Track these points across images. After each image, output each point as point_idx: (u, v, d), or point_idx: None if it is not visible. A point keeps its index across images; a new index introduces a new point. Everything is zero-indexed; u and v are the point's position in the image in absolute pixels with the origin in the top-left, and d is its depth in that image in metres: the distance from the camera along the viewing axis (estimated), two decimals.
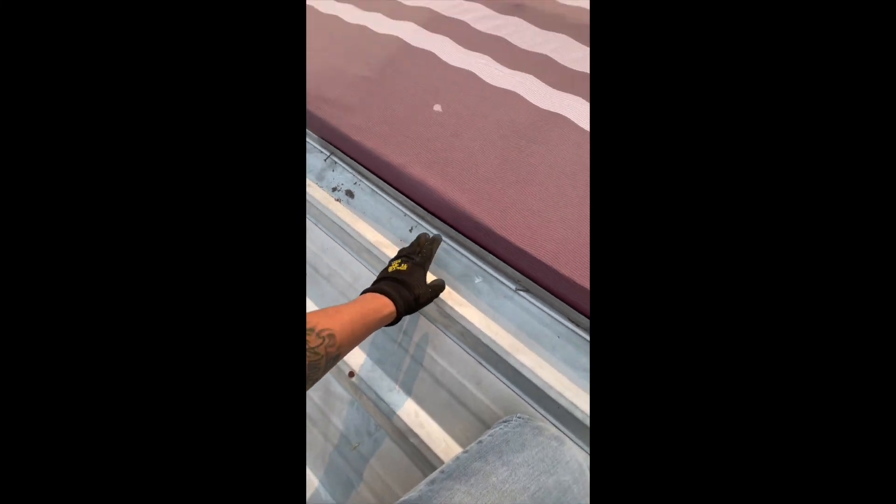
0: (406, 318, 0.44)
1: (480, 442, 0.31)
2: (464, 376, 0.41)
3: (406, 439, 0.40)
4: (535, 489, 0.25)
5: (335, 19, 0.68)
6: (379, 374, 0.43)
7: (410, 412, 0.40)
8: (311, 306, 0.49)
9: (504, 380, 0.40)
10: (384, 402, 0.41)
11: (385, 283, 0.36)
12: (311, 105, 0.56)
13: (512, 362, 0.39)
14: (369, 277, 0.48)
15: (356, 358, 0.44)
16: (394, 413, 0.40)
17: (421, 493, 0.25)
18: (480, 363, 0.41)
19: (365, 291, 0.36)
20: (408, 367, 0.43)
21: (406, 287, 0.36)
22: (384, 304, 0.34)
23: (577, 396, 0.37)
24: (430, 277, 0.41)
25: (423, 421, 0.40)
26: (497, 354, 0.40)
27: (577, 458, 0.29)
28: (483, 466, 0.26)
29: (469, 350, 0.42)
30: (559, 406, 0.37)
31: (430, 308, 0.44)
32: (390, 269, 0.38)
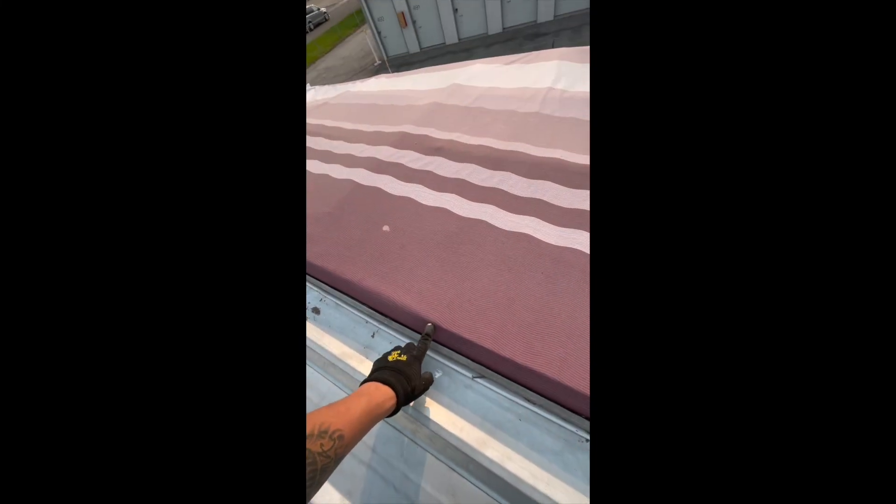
0: (375, 430, 0.44)
1: None
2: (438, 489, 0.40)
3: None
4: None
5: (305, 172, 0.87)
6: None
7: None
8: None
9: (478, 483, 0.39)
10: None
11: (387, 372, 0.37)
12: None
13: (481, 460, 0.39)
14: (336, 393, 0.50)
15: (323, 495, 0.41)
16: None
17: None
18: (452, 469, 0.41)
19: (366, 381, 0.37)
20: (379, 491, 0.41)
21: (406, 378, 0.37)
22: (388, 397, 0.35)
23: (549, 485, 0.37)
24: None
25: None
26: (465, 454, 0.40)
27: None
28: None
29: (438, 455, 0.42)
30: (532, 500, 0.36)
31: (398, 416, 0.45)
32: (390, 359, 0.39)
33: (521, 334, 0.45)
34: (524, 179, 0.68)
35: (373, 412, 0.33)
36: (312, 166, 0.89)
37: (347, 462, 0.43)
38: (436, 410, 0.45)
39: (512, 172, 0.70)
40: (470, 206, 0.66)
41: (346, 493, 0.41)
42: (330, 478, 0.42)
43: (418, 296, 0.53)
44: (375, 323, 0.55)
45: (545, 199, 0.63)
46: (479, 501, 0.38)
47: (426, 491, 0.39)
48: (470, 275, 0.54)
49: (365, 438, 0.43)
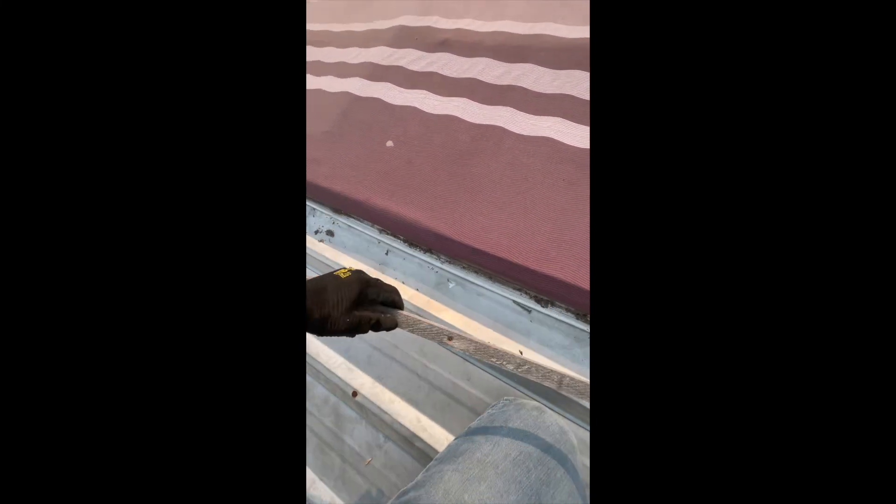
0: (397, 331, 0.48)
1: (469, 428, 0.33)
2: (455, 375, 0.45)
3: (413, 444, 0.43)
4: (516, 454, 0.26)
5: None
6: (379, 390, 0.47)
7: (412, 419, 0.44)
8: (314, 344, 0.54)
9: (490, 371, 0.43)
10: (387, 413, 0.44)
11: (314, 282, 0.27)
12: None
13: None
14: None
15: (359, 377, 0.48)
16: (397, 422, 0.44)
17: (417, 482, 0.28)
18: (467, 360, 0.45)
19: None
20: (404, 377, 0.47)
21: (319, 301, 0.25)
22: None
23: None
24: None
25: (426, 424, 0.43)
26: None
27: (557, 422, 0.31)
28: (469, 446, 0.28)
29: (455, 350, 0.46)
30: (543, 385, 0.40)
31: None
32: (336, 272, 0.29)
33: (536, 241, 0.43)
34: (549, 71, 0.56)
35: None
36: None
37: (375, 354, 0.49)
38: (451, 315, 0.47)
39: (535, 63, 0.58)
40: (482, 110, 0.57)
41: (377, 378, 0.47)
42: (362, 366, 0.49)
43: (429, 212, 0.51)
44: (388, 241, 0.55)
45: (574, 93, 0.52)
46: (491, 385, 0.42)
47: (444, 376, 0.45)
48: (483, 187, 0.50)
49: (388, 337, 0.48)
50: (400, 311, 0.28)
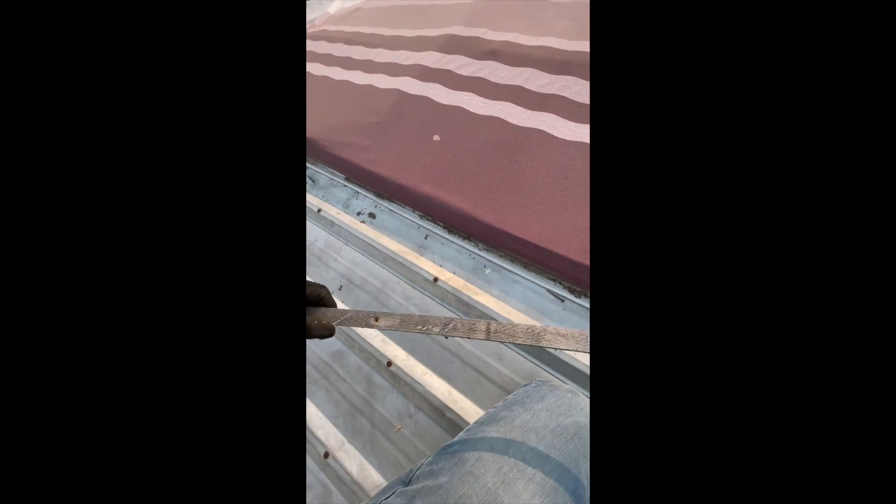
0: (430, 308, 0.51)
1: (506, 400, 0.36)
2: (487, 354, 0.47)
3: (443, 415, 0.45)
4: (554, 426, 0.28)
5: (346, 84, 0.84)
6: (413, 362, 0.49)
7: (444, 391, 0.46)
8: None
9: (521, 352, 0.46)
10: (420, 384, 0.47)
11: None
12: (335, 149, 0.69)
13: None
14: (395, 282, 0.56)
15: (393, 349, 0.51)
16: (429, 393, 0.46)
17: (461, 438, 0.29)
18: (500, 341, 0.47)
19: None
20: (437, 352, 0.49)
21: None
22: None
23: (585, 357, 0.42)
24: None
25: (456, 397, 0.45)
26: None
27: (588, 402, 0.34)
28: (509, 414, 0.30)
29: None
30: (572, 367, 0.43)
31: (451, 299, 0.52)
32: None
33: (574, 235, 0.46)
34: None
35: None
36: (354, 77, 0.85)
37: (415, 334, 0.52)
38: (486, 298, 0.50)
39: (578, 77, 0.62)
40: (527, 115, 0.61)
41: (411, 351, 0.50)
42: (396, 339, 0.52)
43: (471, 201, 0.54)
44: (428, 226, 0.59)
45: None
46: (522, 366, 0.45)
47: (476, 354, 0.47)
48: (525, 183, 0.54)
49: (421, 312, 0.51)
50: (323, 309, 0.28)
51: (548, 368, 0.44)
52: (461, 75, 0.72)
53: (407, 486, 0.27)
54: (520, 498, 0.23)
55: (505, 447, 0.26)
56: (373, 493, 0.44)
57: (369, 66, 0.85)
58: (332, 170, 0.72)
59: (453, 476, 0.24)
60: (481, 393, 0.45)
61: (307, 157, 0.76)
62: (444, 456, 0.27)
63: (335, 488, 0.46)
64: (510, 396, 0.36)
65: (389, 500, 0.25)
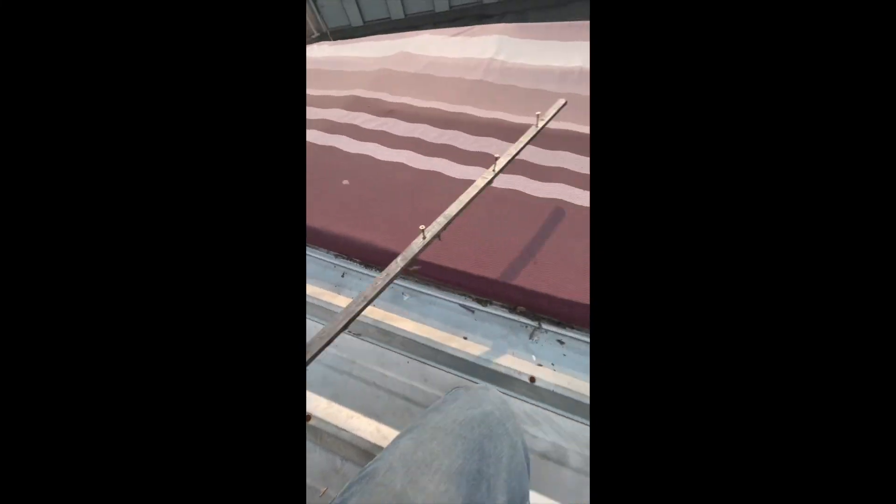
0: (352, 347, 0.50)
1: (422, 411, 0.36)
2: (412, 378, 0.48)
3: (372, 457, 0.42)
4: (462, 419, 0.30)
5: None
6: (336, 409, 0.46)
7: (372, 430, 0.44)
8: None
9: (445, 368, 0.48)
10: (345, 431, 0.44)
11: None
12: None
13: (447, 351, 0.49)
14: (310, 325, 0.54)
15: (311, 401, 0.47)
16: (357, 438, 0.43)
17: (375, 457, 0.28)
18: (423, 362, 0.49)
19: None
20: (360, 390, 0.48)
21: None
22: None
23: (498, 357, 0.48)
24: None
25: (386, 433, 0.44)
26: (433, 348, 0.49)
27: (500, 396, 0.36)
28: (422, 421, 0.31)
29: (411, 355, 0.50)
30: (488, 370, 0.47)
31: (373, 331, 0.52)
32: None
33: (471, 251, 0.55)
34: (471, 137, 0.77)
35: None
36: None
37: (331, 374, 0.49)
38: (405, 324, 0.52)
39: (461, 131, 0.78)
40: (425, 160, 0.73)
41: (333, 397, 0.47)
42: (315, 388, 0.47)
43: (383, 234, 0.59)
44: (344, 264, 0.60)
45: (490, 151, 0.73)
46: (448, 381, 0.47)
47: (401, 381, 0.48)
48: (426, 214, 0.62)
49: (345, 355, 0.49)
50: None
51: (468, 376, 0.47)
52: (366, 129, 0.82)
53: None
54: (426, 491, 0.23)
55: (414, 450, 0.26)
56: None
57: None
58: None
59: (363, 494, 0.24)
60: (410, 420, 0.45)
61: None
62: (355, 482, 0.26)
63: None
64: (429, 406, 0.37)
65: None
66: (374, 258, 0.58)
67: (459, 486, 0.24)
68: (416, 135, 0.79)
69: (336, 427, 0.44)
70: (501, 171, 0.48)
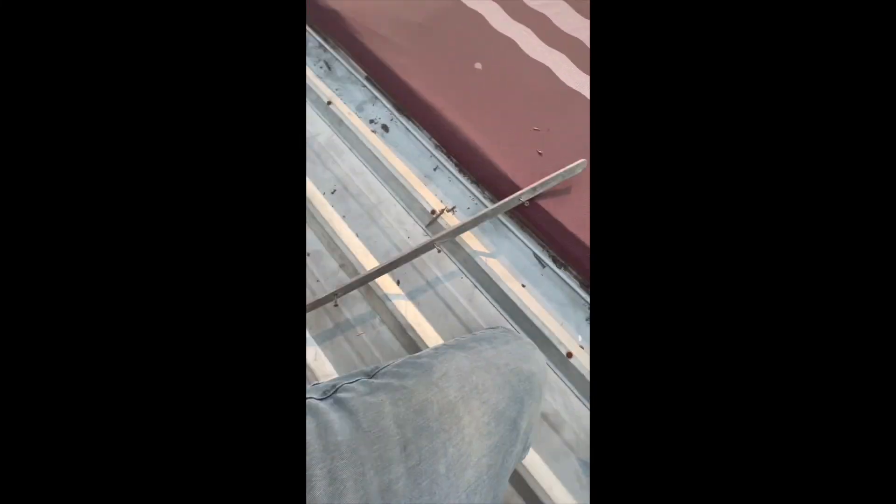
0: (419, 238, 0.51)
1: (474, 334, 0.38)
2: (459, 293, 0.49)
3: (405, 333, 0.48)
4: (513, 367, 0.31)
5: None
6: (388, 281, 0.50)
7: (410, 313, 0.48)
8: (339, 221, 0.55)
9: (492, 301, 0.49)
10: (391, 301, 0.49)
11: None
12: (364, 38, 0.60)
13: (502, 287, 0.48)
14: (392, 203, 0.55)
15: (372, 264, 0.51)
16: (398, 311, 0.48)
17: (429, 353, 0.31)
18: (475, 285, 0.50)
19: None
20: (413, 278, 0.51)
21: None
22: None
23: (548, 320, 0.47)
24: None
25: (420, 321, 0.48)
26: (490, 279, 0.49)
27: (544, 361, 0.38)
28: (476, 346, 0.33)
29: (467, 274, 0.50)
30: (533, 326, 0.47)
31: (446, 237, 0.52)
32: None
33: (583, 212, 0.47)
34: None
35: None
36: None
37: (395, 252, 0.52)
38: (475, 243, 0.51)
39: None
40: (578, 75, 0.57)
41: (392, 272, 0.51)
42: (378, 256, 0.52)
43: (495, 146, 0.52)
44: (441, 158, 0.56)
45: None
46: (489, 311, 0.48)
47: (450, 291, 0.50)
48: (554, 147, 0.52)
49: (410, 241, 0.51)
50: None
51: (510, 319, 0.48)
52: (526, 5, 0.64)
53: (371, 378, 0.29)
54: (473, 414, 0.25)
55: (469, 371, 0.28)
56: (321, 379, 0.48)
57: None
58: (353, 62, 0.64)
59: (419, 382, 0.26)
60: (445, 325, 0.48)
61: (326, 37, 0.66)
62: (411, 363, 0.29)
63: None
64: (479, 332, 0.39)
65: (352, 384, 0.27)
66: (472, 165, 0.53)
67: (499, 425, 0.26)
68: (582, 36, 0.60)
69: (385, 294, 0.49)
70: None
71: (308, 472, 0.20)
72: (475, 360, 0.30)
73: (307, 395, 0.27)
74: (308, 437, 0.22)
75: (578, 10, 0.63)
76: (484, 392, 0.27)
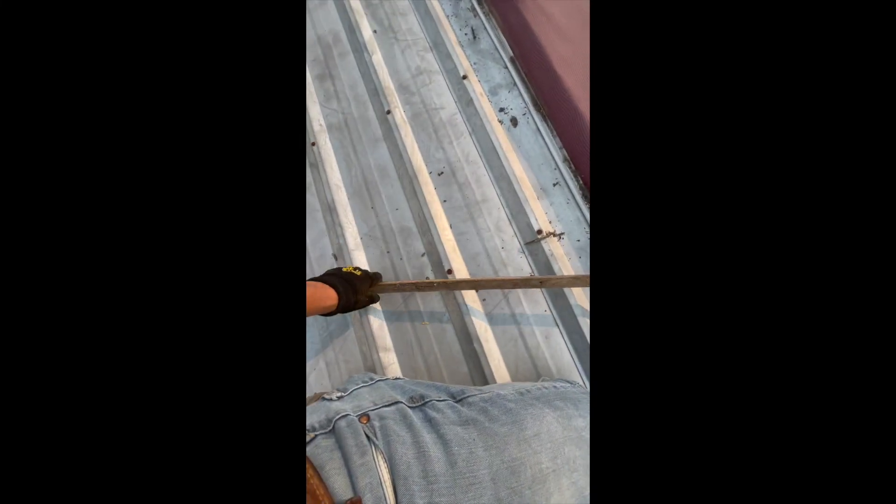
0: (512, 253, 0.48)
1: (555, 387, 0.34)
2: (537, 325, 0.46)
3: (469, 342, 0.47)
4: None
5: None
6: (474, 295, 0.48)
7: (482, 326, 0.46)
8: (437, 206, 0.53)
9: (570, 347, 0.44)
10: (466, 306, 0.47)
11: (337, 278, 0.41)
12: (527, 8, 0.53)
13: (586, 335, 0.43)
14: (497, 207, 0.51)
15: (458, 262, 0.49)
16: (469, 317, 0.47)
17: (515, 399, 0.29)
18: (557, 325, 0.45)
19: (312, 279, 0.41)
20: (495, 293, 0.48)
21: (353, 289, 0.41)
22: (329, 297, 0.39)
23: None
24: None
25: (489, 337, 0.46)
26: (577, 323, 0.44)
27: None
28: (564, 407, 0.30)
29: (553, 310, 0.46)
30: None
31: (539, 258, 0.47)
32: (344, 270, 0.44)
33: None
34: None
35: (313, 303, 0.37)
36: None
37: (486, 264, 0.49)
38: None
39: None
40: None
41: (473, 274, 0.49)
42: (468, 258, 0.50)
43: None
44: (565, 173, 0.50)
45: None
46: (562, 357, 0.44)
47: (529, 319, 0.46)
48: None
49: (499, 259, 0.47)
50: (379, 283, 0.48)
51: (583, 373, 0.43)
52: None
53: (458, 402, 0.28)
54: (563, 493, 0.24)
55: (562, 441, 0.26)
56: (380, 352, 0.49)
57: None
58: (503, 37, 0.57)
59: (510, 434, 0.25)
60: (512, 351, 0.46)
61: None
62: (498, 404, 0.27)
63: (352, 327, 0.52)
64: (560, 386, 0.35)
65: (441, 405, 0.26)
66: None
67: None
68: None
69: (463, 298, 0.47)
70: None
71: (404, 486, 0.20)
72: (566, 429, 0.28)
73: (395, 396, 0.26)
74: (402, 448, 0.22)
75: None
76: (574, 472, 0.26)
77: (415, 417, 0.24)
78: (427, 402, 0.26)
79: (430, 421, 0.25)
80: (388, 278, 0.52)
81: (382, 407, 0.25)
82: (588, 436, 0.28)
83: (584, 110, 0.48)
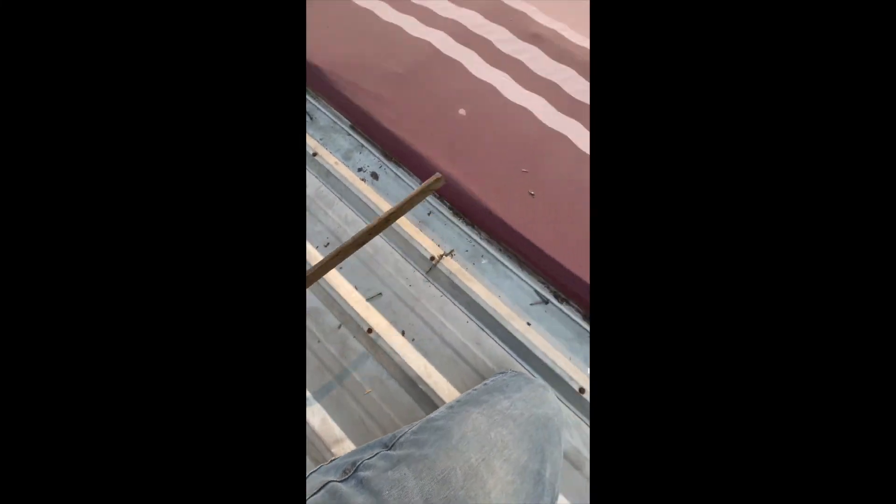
0: (419, 285, 0.51)
1: (485, 384, 0.38)
2: (466, 338, 0.49)
3: (415, 386, 0.47)
4: (529, 415, 0.31)
5: (369, 14, 0.73)
6: (394, 333, 0.50)
7: (420, 365, 0.48)
8: (335, 274, 0.54)
9: (499, 342, 0.49)
10: (397, 354, 0.48)
11: None
12: (346, 90, 0.62)
13: (507, 327, 0.49)
14: (389, 251, 0.55)
15: (375, 317, 0.50)
16: (405, 364, 0.47)
17: (444, 414, 0.31)
18: (482, 328, 0.50)
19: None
20: (419, 328, 0.50)
21: None
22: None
23: (556, 356, 0.47)
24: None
25: (431, 372, 0.47)
26: (495, 321, 0.49)
27: (558, 402, 0.38)
28: (490, 399, 0.33)
29: (472, 317, 0.50)
30: (543, 364, 0.47)
31: (444, 281, 0.52)
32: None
33: (577, 247, 0.49)
34: None
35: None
36: (379, 9, 0.74)
37: (397, 303, 0.51)
38: (476, 286, 0.51)
39: None
40: (557, 117, 0.61)
41: (394, 322, 0.50)
42: (382, 309, 0.51)
43: (484, 188, 0.54)
44: (433, 203, 0.57)
45: None
46: (498, 354, 0.48)
47: (456, 336, 0.49)
48: (541, 186, 0.54)
49: (412, 290, 0.51)
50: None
51: (520, 360, 0.48)
52: (500, 51, 0.68)
53: (390, 449, 0.28)
54: (496, 475, 0.25)
55: (487, 429, 0.28)
56: (333, 447, 0.45)
57: (401, 5, 0.75)
58: (336, 112, 0.65)
59: (439, 450, 0.26)
60: (455, 371, 0.48)
61: (307, 88, 0.66)
62: (428, 428, 0.29)
63: None
64: (489, 382, 0.39)
65: (372, 460, 0.26)
66: (465, 207, 0.55)
67: (524, 482, 0.26)
68: (556, 79, 0.65)
69: (391, 348, 0.48)
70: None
71: None
72: (491, 416, 0.30)
73: (326, 479, 0.25)
74: None
75: (552, 56, 0.67)
76: (504, 449, 0.27)
77: (345, 490, 0.24)
78: (358, 466, 0.26)
79: (361, 483, 0.24)
80: (311, 371, 0.49)
81: (309, 497, 0.24)
82: (515, 413, 0.31)
83: (421, 150, 0.56)
